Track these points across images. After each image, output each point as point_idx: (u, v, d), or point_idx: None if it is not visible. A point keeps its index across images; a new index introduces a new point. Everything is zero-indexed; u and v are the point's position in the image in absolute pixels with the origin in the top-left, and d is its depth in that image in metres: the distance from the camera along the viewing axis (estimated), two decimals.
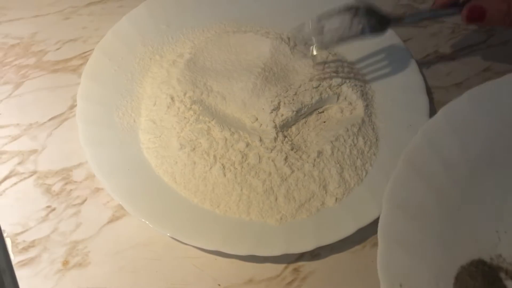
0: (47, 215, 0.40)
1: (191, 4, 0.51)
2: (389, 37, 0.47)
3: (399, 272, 0.33)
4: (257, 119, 0.43)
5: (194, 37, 0.49)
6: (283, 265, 0.39)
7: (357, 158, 0.41)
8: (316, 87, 0.44)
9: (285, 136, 0.42)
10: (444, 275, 0.34)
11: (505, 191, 0.37)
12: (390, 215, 0.35)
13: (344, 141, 0.41)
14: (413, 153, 0.37)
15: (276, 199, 0.39)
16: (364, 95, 0.45)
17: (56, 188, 0.42)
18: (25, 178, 0.42)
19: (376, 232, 0.35)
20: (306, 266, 0.39)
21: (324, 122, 0.44)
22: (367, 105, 0.44)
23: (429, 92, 0.47)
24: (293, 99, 0.43)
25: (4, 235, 0.39)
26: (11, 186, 0.42)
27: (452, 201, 0.36)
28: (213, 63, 0.46)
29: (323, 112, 0.45)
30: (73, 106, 0.46)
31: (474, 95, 0.39)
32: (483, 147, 0.38)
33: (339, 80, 0.44)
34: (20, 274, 0.37)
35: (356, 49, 0.47)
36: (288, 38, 0.47)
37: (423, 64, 0.50)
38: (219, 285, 0.38)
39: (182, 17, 0.50)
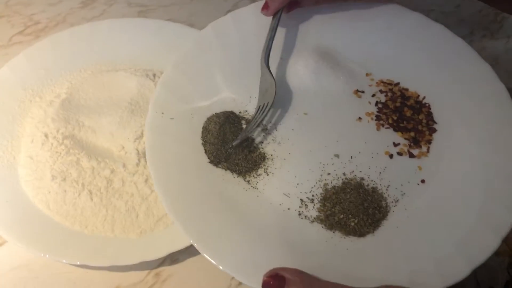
0: None
1: (68, 49, 0.57)
2: None
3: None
4: (123, 148, 0.50)
5: (72, 78, 0.56)
6: (146, 271, 0.46)
7: None
8: None
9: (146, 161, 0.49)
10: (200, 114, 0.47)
11: None
12: None
13: None
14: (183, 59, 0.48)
15: (137, 216, 0.46)
16: None
17: None
18: None
19: None
20: (166, 270, 0.46)
21: None
22: None
23: None
24: None
25: None
26: None
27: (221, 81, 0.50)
28: (87, 101, 0.53)
29: None
30: None
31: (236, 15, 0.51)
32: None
33: None
34: None
35: None
36: (153, 75, 0.55)
37: None
38: None
39: (60, 61, 0.57)
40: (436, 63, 0.49)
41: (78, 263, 0.43)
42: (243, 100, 0.49)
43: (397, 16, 0.51)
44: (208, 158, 0.45)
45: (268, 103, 0.45)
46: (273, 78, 0.46)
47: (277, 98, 0.48)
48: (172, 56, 0.49)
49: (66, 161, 0.48)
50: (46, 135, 0.49)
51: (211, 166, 0.44)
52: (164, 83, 0.48)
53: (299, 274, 0.34)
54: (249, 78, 0.50)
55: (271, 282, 0.34)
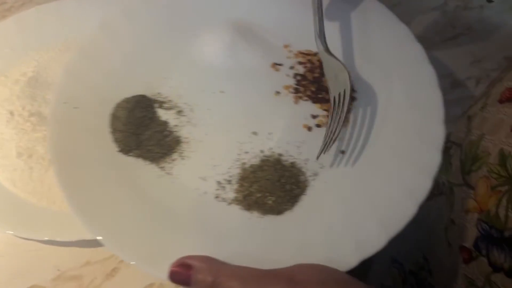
0: None
1: (34, 28, 0.56)
2: None
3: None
4: None
5: (39, 57, 0.54)
6: None
7: None
8: None
9: None
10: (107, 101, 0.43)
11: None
12: None
13: None
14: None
15: None
16: None
17: None
18: None
19: None
20: None
21: None
22: None
23: None
24: None
25: None
26: None
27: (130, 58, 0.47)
28: (54, 79, 0.52)
29: None
30: None
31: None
32: None
33: None
34: None
35: None
36: None
37: None
38: (59, 270, 0.44)
39: (26, 40, 0.55)
40: (356, 31, 0.48)
41: (46, 238, 0.42)
42: (156, 82, 0.46)
43: None
44: (118, 146, 0.42)
45: (345, 91, 0.40)
46: (340, 61, 0.42)
47: (193, 77, 0.45)
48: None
49: (32, 138, 0.48)
50: (11, 113, 0.49)
51: (121, 155, 0.41)
52: (68, 70, 0.44)
53: (207, 260, 0.32)
54: (162, 58, 0.47)
55: (179, 271, 0.32)
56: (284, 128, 0.43)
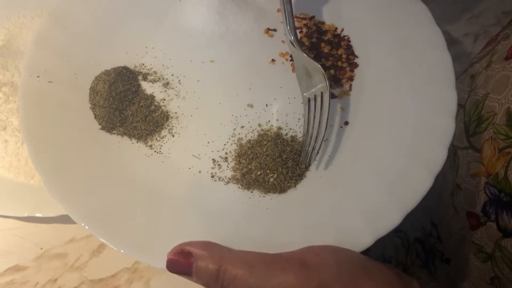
0: None
1: None
2: None
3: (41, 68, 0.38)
4: None
5: (10, 25, 0.50)
6: None
7: None
8: None
9: None
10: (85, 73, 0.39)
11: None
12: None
13: None
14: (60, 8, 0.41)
15: None
16: None
17: None
18: None
19: None
20: None
21: None
22: None
23: None
24: None
25: None
26: None
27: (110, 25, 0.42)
28: (27, 47, 0.46)
29: None
30: None
31: None
32: None
33: None
34: None
35: None
36: None
37: None
38: (41, 248, 0.41)
39: None
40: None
41: (25, 215, 0.40)
42: (138, 51, 0.42)
43: None
44: (99, 124, 0.38)
45: (322, 94, 0.36)
46: (314, 61, 0.36)
47: (179, 46, 0.41)
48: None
49: (6, 109, 0.44)
50: None
51: (103, 133, 0.37)
52: (37, 39, 0.39)
53: (208, 246, 0.29)
54: (143, 25, 0.42)
55: (177, 260, 0.28)
56: (282, 99, 0.40)
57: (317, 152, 0.36)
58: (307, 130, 0.36)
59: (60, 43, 0.40)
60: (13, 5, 0.51)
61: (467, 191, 0.37)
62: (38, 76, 0.38)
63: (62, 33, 0.40)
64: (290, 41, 0.38)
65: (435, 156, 0.33)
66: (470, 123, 0.39)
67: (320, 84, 0.36)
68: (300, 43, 0.39)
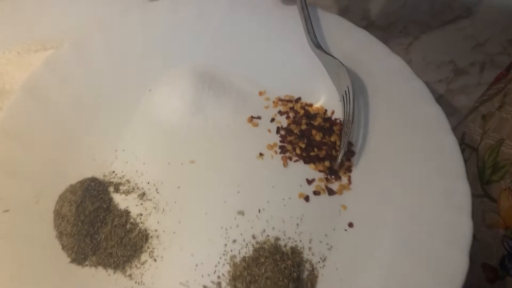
0: None
1: None
2: None
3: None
4: None
5: None
6: None
7: None
8: None
9: None
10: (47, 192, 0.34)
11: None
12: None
13: None
14: (34, 82, 0.37)
15: None
16: None
17: None
18: None
19: None
20: None
21: None
22: None
23: None
24: None
25: None
26: None
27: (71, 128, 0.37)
28: (12, 85, 0.43)
29: None
30: None
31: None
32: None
33: None
34: None
35: None
36: None
37: None
38: None
39: None
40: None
41: None
42: (107, 156, 0.37)
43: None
44: (68, 256, 0.32)
45: (348, 88, 0.36)
46: (335, 57, 0.38)
47: (153, 146, 0.37)
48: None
49: None
50: None
51: (74, 266, 0.32)
52: None
53: None
54: (112, 122, 0.38)
55: None
56: (276, 201, 0.35)
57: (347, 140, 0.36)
58: (344, 126, 0.36)
59: (12, 156, 0.34)
60: None
61: (483, 242, 0.35)
62: None
63: (14, 144, 0.35)
64: (314, 45, 0.39)
65: (454, 264, 0.29)
66: (485, 169, 0.36)
67: (345, 78, 0.36)
68: (319, 46, 0.39)
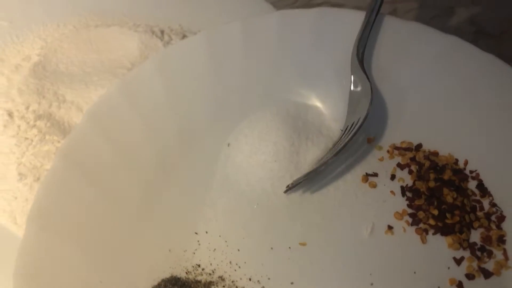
0: None
1: None
2: None
3: None
4: None
5: (47, 35, 0.41)
6: None
7: None
8: None
9: None
10: None
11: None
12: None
13: None
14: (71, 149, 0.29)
15: None
16: None
17: None
18: None
19: None
20: None
21: None
22: None
23: None
24: None
25: None
26: None
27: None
28: (68, 66, 0.38)
29: None
30: None
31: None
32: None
33: None
34: None
35: None
36: (161, 32, 0.39)
37: None
38: None
39: (29, 11, 0.41)
40: (472, 94, 0.31)
41: None
42: (187, 243, 0.28)
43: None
44: None
45: (359, 119, 0.30)
46: (369, 80, 0.31)
47: (243, 223, 0.28)
48: None
49: (40, 152, 0.33)
50: (10, 114, 0.35)
51: None
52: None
53: None
54: (189, 199, 0.28)
55: None
56: None
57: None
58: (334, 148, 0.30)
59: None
60: (51, 11, 0.42)
61: None
62: None
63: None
64: (357, 58, 0.32)
65: None
66: None
67: (362, 109, 0.30)
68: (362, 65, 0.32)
